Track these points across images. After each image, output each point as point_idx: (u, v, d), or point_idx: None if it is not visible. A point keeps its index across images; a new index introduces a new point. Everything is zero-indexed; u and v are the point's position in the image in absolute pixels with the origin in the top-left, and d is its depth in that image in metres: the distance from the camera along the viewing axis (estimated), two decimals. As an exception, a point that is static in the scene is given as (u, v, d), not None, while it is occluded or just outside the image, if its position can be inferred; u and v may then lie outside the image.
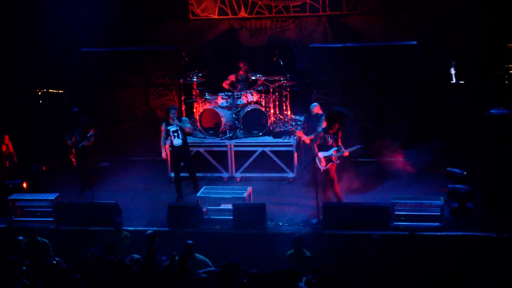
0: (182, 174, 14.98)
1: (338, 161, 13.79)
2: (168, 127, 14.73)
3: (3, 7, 18.28)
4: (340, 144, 13.75)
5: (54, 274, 10.54)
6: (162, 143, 15.12)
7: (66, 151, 15.63)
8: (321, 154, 13.72)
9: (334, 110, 14.14)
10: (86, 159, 15.51)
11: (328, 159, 13.69)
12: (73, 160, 15.53)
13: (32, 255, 12.21)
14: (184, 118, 15.06)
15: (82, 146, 15.30)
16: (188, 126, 14.84)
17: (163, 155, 15.31)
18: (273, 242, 13.05)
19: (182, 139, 14.71)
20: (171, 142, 14.82)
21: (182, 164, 15.00)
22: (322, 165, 13.73)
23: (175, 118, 14.61)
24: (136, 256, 11.50)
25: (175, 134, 14.67)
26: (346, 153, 13.74)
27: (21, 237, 12.81)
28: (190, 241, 11.87)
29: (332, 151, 13.72)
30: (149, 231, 12.47)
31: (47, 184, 15.93)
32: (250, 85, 17.09)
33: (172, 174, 16.11)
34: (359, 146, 13.97)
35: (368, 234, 12.72)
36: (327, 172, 13.80)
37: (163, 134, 14.93)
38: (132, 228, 13.53)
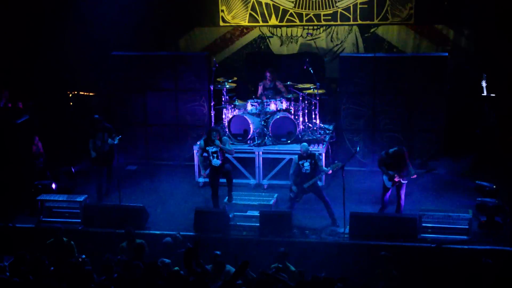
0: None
1: (406, 181, 13.72)
2: (208, 147, 14.23)
3: (36, 9, 18.45)
4: (408, 162, 13.70)
5: (79, 273, 10.61)
6: (199, 162, 14.93)
7: (91, 160, 15.47)
8: (390, 172, 13.70)
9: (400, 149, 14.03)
10: (110, 165, 15.53)
11: (396, 178, 13.70)
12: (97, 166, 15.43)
13: (56, 255, 12.27)
14: (224, 138, 14.46)
15: (106, 151, 15.26)
16: (228, 149, 14.26)
17: (202, 174, 14.91)
18: (299, 250, 13.04)
19: (222, 160, 14.26)
20: (210, 161, 14.36)
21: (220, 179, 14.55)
22: (390, 182, 13.74)
23: (216, 140, 14.11)
24: (166, 260, 11.52)
25: (215, 155, 14.21)
26: (415, 176, 13.74)
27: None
28: (218, 252, 11.84)
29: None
30: (167, 238, 12.56)
31: (76, 186, 16.09)
32: (277, 93, 17.10)
33: (200, 180, 16.15)
34: (425, 170, 13.90)
35: (394, 245, 12.72)
36: (398, 189, 13.79)
37: (201, 153, 14.51)
38: (158, 232, 13.59)
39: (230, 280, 9.94)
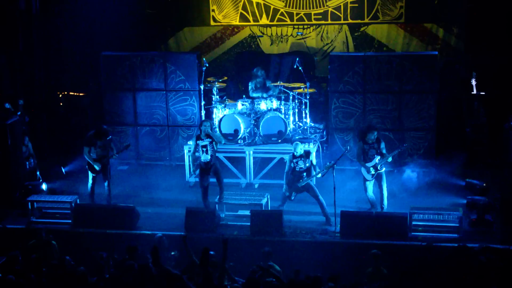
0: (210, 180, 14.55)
1: (384, 169, 13.83)
2: (198, 141, 14.14)
3: (26, 9, 18.41)
4: (382, 151, 13.80)
5: (71, 274, 10.62)
6: (191, 158, 14.82)
7: (91, 168, 14.70)
8: (367, 165, 13.78)
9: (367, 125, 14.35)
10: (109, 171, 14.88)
11: (374, 168, 13.76)
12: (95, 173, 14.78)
13: (39, 255, 12.16)
14: (217, 134, 14.36)
15: (107, 159, 14.68)
16: (217, 135, 14.30)
17: (192, 172, 15.09)
18: (290, 249, 13.04)
19: (211, 155, 14.15)
20: (199, 157, 14.28)
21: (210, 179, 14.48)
22: (369, 175, 13.82)
23: (206, 132, 14.03)
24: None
25: (204, 149, 14.08)
26: (389, 158, 13.80)
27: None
28: (212, 252, 11.75)
29: (375, 160, 13.76)
30: (158, 234, 12.52)
31: (66, 186, 16.04)
32: (267, 92, 17.11)
33: (191, 179, 16.13)
34: (399, 150, 13.99)
35: (385, 243, 12.73)
36: (379, 181, 13.90)
37: (194, 151, 14.35)
38: (149, 232, 13.56)
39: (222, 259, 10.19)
